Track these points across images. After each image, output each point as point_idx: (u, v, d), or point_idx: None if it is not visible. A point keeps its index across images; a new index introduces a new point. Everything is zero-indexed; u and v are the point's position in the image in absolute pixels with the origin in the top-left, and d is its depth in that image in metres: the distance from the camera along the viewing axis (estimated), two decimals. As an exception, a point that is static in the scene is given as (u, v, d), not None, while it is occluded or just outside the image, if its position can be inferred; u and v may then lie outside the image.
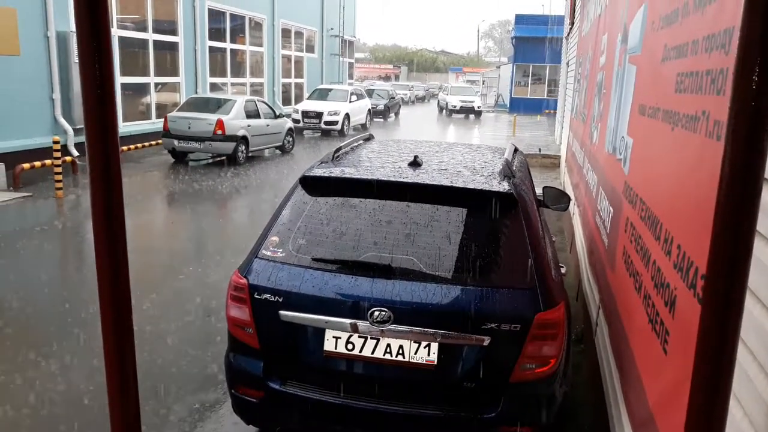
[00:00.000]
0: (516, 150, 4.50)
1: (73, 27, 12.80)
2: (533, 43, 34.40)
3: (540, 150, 15.87)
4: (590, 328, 4.77)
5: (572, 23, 13.13)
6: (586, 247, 5.53)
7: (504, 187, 3.16)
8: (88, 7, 1.56)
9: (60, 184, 10.06)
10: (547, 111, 32.53)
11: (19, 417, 3.82)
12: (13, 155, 11.14)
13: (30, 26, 11.79)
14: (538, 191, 4.79)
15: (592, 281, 4.78)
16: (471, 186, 3.14)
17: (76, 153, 12.70)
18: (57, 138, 10.76)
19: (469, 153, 4.17)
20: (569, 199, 4.91)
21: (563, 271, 3.77)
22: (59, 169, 10.17)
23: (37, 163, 10.86)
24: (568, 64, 14.14)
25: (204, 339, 4.99)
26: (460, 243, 3.02)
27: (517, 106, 35.06)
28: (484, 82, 48.30)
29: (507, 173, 3.40)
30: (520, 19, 37.70)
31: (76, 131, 12.99)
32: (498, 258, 3.06)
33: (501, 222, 3.11)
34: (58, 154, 10.34)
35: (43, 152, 11.42)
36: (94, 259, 1.63)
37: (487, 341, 2.80)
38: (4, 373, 4.33)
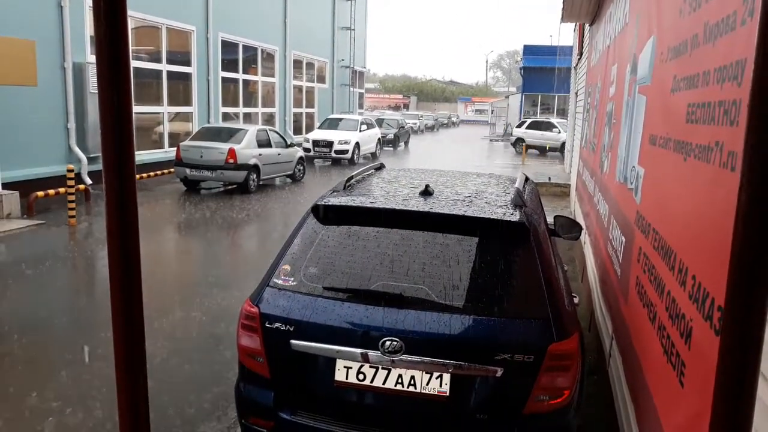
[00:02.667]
0: (527, 179, 4.50)
1: (89, 58, 13.07)
2: (541, 74, 34.70)
3: (550, 178, 15.87)
4: (603, 359, 4.71)
5: (581, 54, 13.25)
6: (598, 276, 5.49)
7: (516, 216, 3.16)
8: (109, 42, 1.60)
9: (73, 212, 10.15)
10: (556, 140, 32.57)
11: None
12: (28, 183, 11.29)
13: (47, 57, 12.03)
14: (549, 220, 4.78)
15: (605, 311, 4.73)
16: (482, 215, 3.13)
17: (89, 181, 12.84)
18: (71, 166, 10.89)
19: (480, 182, 4.18)
20: (581, 228, 4.89)
21: (576, 300, 3.74)
22: (72, 197, 10.27)
23: (51, 191, 10.98)
24: (576, 94, 14.22)
25: (213, 367, 4.96)
26: (471, 273, 3.01)
27: (527, 135, 35.15)
28: (493, 111, 48.62)
29: (518, 202, 3.41)
30: (528, 50, 38.13)
31: (90, 160, 13.16)
32: (510, 288, 3.04)
33: (513, 251, 3.10)
34: (72, 183, 10.46)
35: (57, 180, 11.56)
36: (105, 286, 1.64)
37: (499, 372, 2.76)
38: (10, 401, 4.32)
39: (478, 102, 75.05)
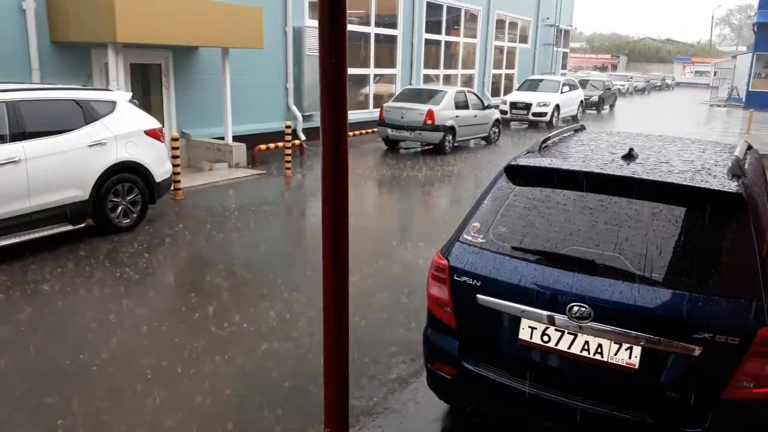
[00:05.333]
0: (750, 147, 4.05)
1: (307, 23, 14.11)
2: (781, 29, 29.98)
3: (783, 150, 13.88)
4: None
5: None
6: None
7: (732, 186, 2.90)
8: (329, 7, 1.78)
9: (289, 165, 11.30)
10: (793, 107, 28.28)
11: (249, 359, 4.43)
12: (253, 137, 12.67)
13: (271, 22, 13.23)
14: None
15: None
16: (692, 184, 2.92)
17: (303, 137, 14.05)
18: (289, 123, 12.01)
19: (692, 148, 3.85)
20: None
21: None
22: (289, 152, 11.40)
23: (272, 145, 12.27)
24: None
25: (405, 313, 5.27)
26: (673, 244, 2.84)
27: (755, 100, 30.91)
28: (716, 73, 43.36)
29: (736, 172, 3.10)
30: (764, 3, 33.04)
31: (305, 118, 14.34)
32: (718, 263, 2.81)
33: (725, 225, 2.86)
34: (289, 138, 11.56)
35: (276, 136, 12.82)
36: (315, 228, 1.86)
37: (697, 351, 2.61)
38: (238, 319, 5.03)
39: (698, 63, 67.24)
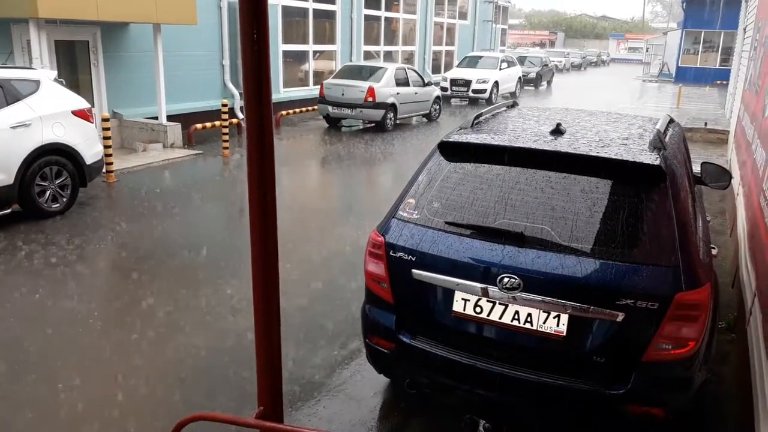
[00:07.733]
0: (671, 121, 4.22)
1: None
2: (707, 7, 31.18)
3: (706, 124, 14.55)
4: (744, 317, 4.43)
5: (755, -17, 11.74)
6: (748, 229, 5.08)
7: (652, 158, 3.02)
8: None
9: (227, 144, 11.05)
10: (718, 82, 29.57)
11: (186, 339, 4.38)
12: (188, 116, 12.31)
13: (205, -3, 12.83)
14: (698, 168, 4.47)
15: (750, 266, 4.41)
16: (615, 156, 3.03)
17: (241, 116, 13.74)
18: (225, 101, 11.72)
19: (617, 122, 3.99)
20: (730, 176, 4.53)
21: (714, 252, 3.53)
22: (226, 131, 11.16)
23: (208, 124, 11.96)
24: (745, 29, 12.73)
25: (346, 291, 5.29)
26: (598, 215, 2.94)
27: (684, 75, 32.20)
28: (648, 49, 44.79)
29: (657, 145, 3.23)
30: (694, -20, 34.25)
31: (242, 95, 14.00)
32: (639, 233, 2.93)
33: (646, 196, 2.98)
34: (226, 116, 11.30)
35: (213, 114, 12.50)
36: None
37: (620, 317, 2.73)
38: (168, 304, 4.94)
39: (632, 39, 69.27)
